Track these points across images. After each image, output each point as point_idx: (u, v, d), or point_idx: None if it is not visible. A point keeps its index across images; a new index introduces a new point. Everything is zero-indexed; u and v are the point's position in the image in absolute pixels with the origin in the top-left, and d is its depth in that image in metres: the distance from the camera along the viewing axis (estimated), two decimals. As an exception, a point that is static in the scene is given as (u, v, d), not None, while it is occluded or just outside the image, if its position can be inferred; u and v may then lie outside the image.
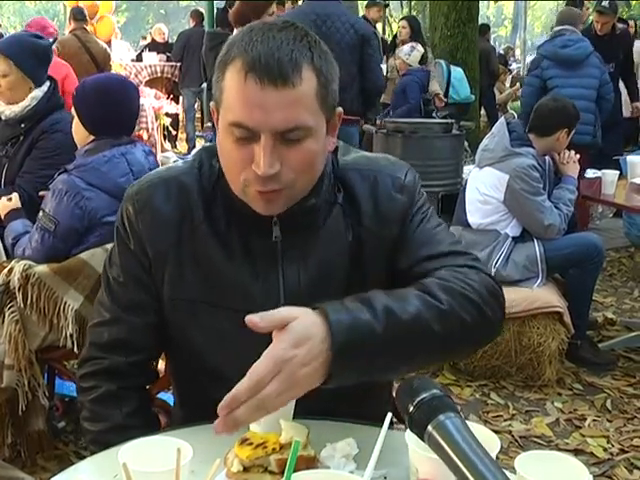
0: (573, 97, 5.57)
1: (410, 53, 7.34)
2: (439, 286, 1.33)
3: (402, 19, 9.19)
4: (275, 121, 1.29)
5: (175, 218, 1.47)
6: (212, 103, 1.44)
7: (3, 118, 3.49)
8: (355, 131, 5.56)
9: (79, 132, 2.91)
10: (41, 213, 2.76)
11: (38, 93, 3.42)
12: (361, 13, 10.76)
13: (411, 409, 1.03)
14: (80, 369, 1.60)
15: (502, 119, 4.14)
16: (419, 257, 1.47)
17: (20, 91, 3.41)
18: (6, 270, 2.69)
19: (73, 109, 2.91)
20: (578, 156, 4.21)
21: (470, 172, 4.31)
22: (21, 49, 3.44)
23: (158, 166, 2.98)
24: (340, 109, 1.46)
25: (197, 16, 11.58)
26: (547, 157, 4.06)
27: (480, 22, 10.59)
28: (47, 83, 3.47)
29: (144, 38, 17.83)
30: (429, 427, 1.00)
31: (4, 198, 3.13)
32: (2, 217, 3.10)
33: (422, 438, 1.01)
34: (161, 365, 2.02)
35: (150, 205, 1.48)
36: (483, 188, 3.97)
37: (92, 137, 2.86)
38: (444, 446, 0.97)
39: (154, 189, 1.50)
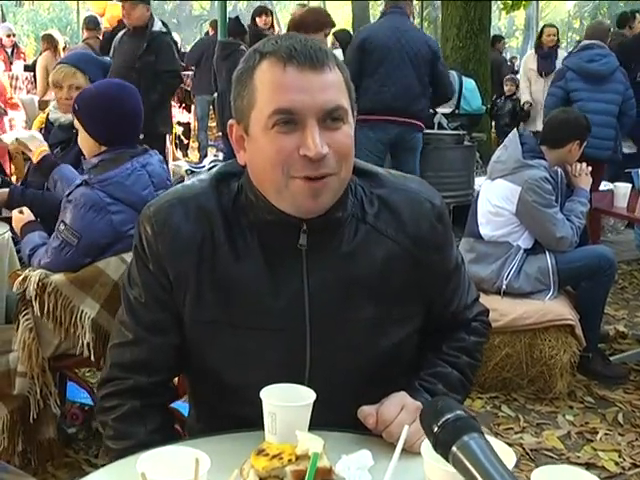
0: (596, 112, 5.62)
1: None
2: (470, 368, 1.67)
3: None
4: (319, 102, 1.34)
5: (195, 238, 1.45)
6: (231, 120, 1.45)
7: (56, 124, 3.63)
8: (421, 137, 5.74)
9: (87, 144, 2.88)
10: (62, 226, 2.73)
11: None
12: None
13: (436, 429, 1.05)
14: (101, 389, 1.58)
15: (514, 131, 4.14)
16: (450, 305, 1.65)
17: None
18: (20, 278, 2.70)
19: (76, 121, 2.91)
20: (590, 169, 4.21)
21: (482, 184, 4.31)
22: (93, 65, 3.66)
23: (171, 175, 2.98)
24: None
25: (216, 26, 11.65)
26: (559, 169, 4.05)
27: (492, 33, 10.61)
28: None
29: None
30: (453, 447, 1.01)
31: (16, 211, 3.16)
32: (17, 230, 3.12)
33: (447, 458, 1.02)
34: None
35: (169, 226, 1.46)
36: (495, 200, 3.96)
37: (103, 148, 2.84)
38: (468, 466, 0.99)
39: (173, 209, 1.47)
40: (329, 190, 1.38)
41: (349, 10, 22.65)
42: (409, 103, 5.46)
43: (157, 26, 6.17)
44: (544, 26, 8.96)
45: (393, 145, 5.57)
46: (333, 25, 5.57)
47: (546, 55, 8.32)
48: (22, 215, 3.11)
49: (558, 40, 8.58)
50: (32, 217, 3.12)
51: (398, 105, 5.44)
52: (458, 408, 1.07)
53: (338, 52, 9.57)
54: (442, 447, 1.04)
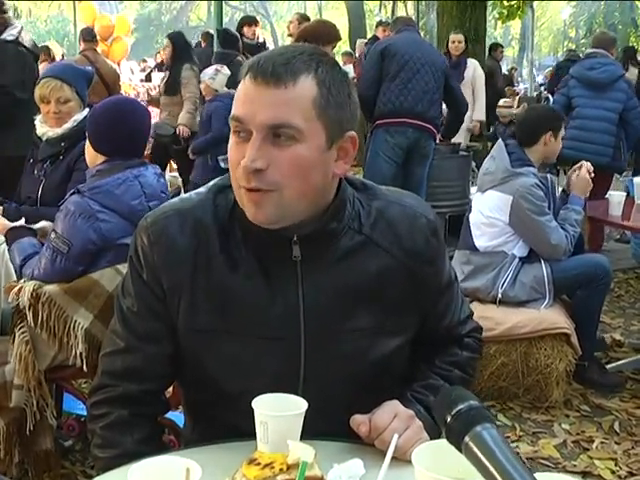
0: (594, 118, 5.73)
1: (215, 76, 6.65)
2: (463, 383, 1.64)
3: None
4: (263, 116, 1.35)
5: (190, 250, 1.47)
6: None
7: (44, 139, 3.60)
8: (434, 147, 5.81)
9: (90, 154, 2.92)
10: (53, 234, 2.75)
11: (79, 116, 3.51)
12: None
13: (449, 419, 1.05)
14: (91, 397, 1.59)
15: (500, 141, 4.14)
16: (443, 319, 1.66)
17: (75, 115, 3.54)
18: (16, 289, 2.70)
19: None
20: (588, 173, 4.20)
21: (473, 196, 4.32)
22: (78, 76, 3.61)
23: (168, 188, 3.00)
24: (353, 134, 1.46)
25: (208, 37, 11.67)
26: (549, 175, 4.06)
27: (488, 42, 10.64)
28: (86, 109, 3.54)
29: (144, 61, 17.92)
30: (466, 438, 1.02)
31: None
32: (4, 235, 3.11)
33: (459, 448, 1.03)
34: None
35: (165, 237, 1.48)
36: (487, 211, 3.97)
37: (103, 158, 2.86)
38: (480, 457, 0.99)
39: (169, 221, 1.50)
40: (270, 204, 1.38)
41: (345, 21, 22.74)
42: (428, 108, 5.59)
43: (7, 34, 5.15)
44: (451, 33, 8.60)
45: (409, 150, 5.64)
46: (340, 38, 5.70)
47: (454, 65, 7.82)
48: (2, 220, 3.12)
49: (467, 48, 8.22)
50: (20, 222, 3.13)
51: (418, 109, 5.55)
52: (471, 398, 1.08)
53: (349, 68, 9.34)
54: (454, 437, 1.04)
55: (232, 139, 1.41)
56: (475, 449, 1.00)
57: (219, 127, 6.20)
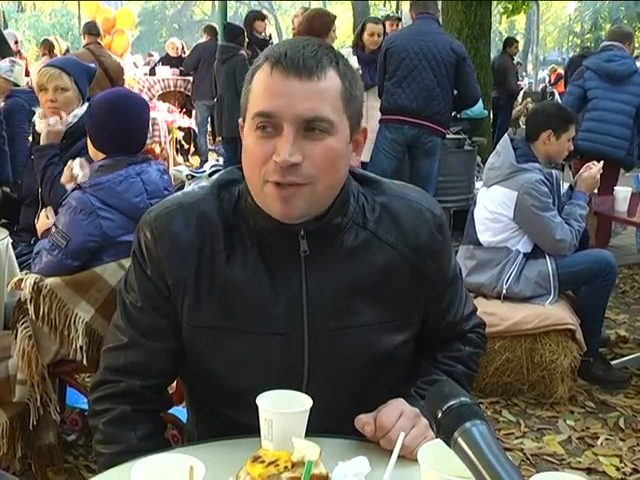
0: (612, 110, 5.71)
1: (12, 69, 5.92)
2: (466, 378, 1.66)
3: None
4: (298, 110, 1.33)
5: (195, 245, 1.46)
6: (241, 119, 1.46)
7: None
8: (440, 142, 5.72)
9: (92, 149, 2.91)
10: (54, 229, 2.74)
11: (79, 111, 3.48)
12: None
13: (439, 415, 1.05)
14: (93, 393, 1.57)
15: (506, 136, 4.11)
16: (446, 315, 1.64)
17: (73, 107, 3.51)
18: (16, 280, 2.69)
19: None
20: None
21: (478, 191, 4.30)
22: (78, 67, 3.58)
23: (172, 185, 2.97)
24: (365, 126, 1.48)
25: (210, 31, 11.66)
26: (554, 171, 4.04)
27: (493, 37, 10.60)
28: (87, 103, 3.51)
29: (150, 55, 17.92)
30: (455, 434, 1.02)
31: (43, 214, 3.14)
32: (39, 234, 3.09)
33: (449, 444, 1.02)
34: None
35: (169, 231, 1.47)
36: (492, 206, 3.96)
37: (103, 154, 2.85)
38: (469, 453, 0.99)
39: (173, 215, 1.48)
40: (301, 199, 1.37)
41: (350, 16, 22.71)
42: (425, 105, 5.52)
43: None
44: (366, 20, 6.90)
45: (410, 147, 5.64)
46: (335, 17, 5.72)
47: (369, 61, 6.33)
48: (47, 220, 3.09)
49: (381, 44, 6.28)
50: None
51: (413, 106, 5.50)
52: (463, 395, 1.07)
53: (354, 60, 9.22)
54: (444, 433, 1.04)
55: (252, 135, 1.37)
56: (464, 445, 1.01)
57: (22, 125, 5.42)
